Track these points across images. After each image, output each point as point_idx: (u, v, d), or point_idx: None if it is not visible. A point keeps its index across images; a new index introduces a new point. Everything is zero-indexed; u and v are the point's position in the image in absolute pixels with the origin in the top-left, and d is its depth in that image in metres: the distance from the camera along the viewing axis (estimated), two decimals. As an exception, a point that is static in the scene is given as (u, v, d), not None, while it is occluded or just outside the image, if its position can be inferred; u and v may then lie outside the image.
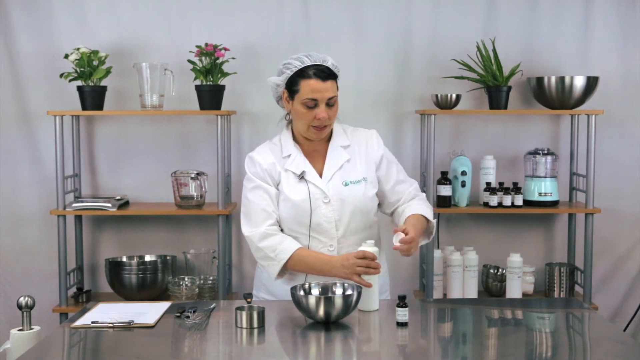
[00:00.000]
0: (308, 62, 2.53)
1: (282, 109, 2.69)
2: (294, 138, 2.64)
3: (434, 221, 2.63)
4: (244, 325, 2.21)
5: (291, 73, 2.53)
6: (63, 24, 3.67)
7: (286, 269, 2.54)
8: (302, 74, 2.51)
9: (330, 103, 2.52)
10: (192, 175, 3.54)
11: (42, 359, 2.05)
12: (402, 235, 2.38)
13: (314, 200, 2.55)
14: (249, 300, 2.23)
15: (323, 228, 2.56)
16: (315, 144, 2.63)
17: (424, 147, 3.62)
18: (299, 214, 2.56)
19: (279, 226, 2.60)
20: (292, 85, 2.54)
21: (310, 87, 2.50)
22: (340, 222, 2.57)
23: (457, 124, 3.75)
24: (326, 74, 2.51)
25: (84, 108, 3.51)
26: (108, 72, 3.51)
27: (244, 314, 2.20)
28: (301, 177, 2.57)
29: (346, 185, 2.58)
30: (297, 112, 2.54)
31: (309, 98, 2.50)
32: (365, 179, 2.61)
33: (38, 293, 3.53)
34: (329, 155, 2.62)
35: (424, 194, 2.74)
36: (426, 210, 2.62)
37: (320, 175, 2.59)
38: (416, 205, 2.63)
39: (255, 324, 2.20)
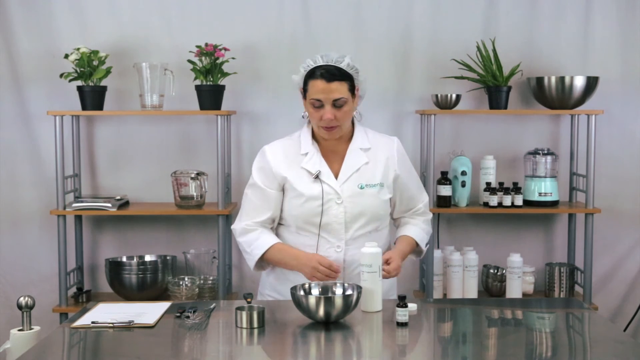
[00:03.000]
0: (320, 62, 2.54)
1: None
2: (314, 136, 2.64)
3: (425, 248, 2.76)
4: (244, 325, 2.21)
5: (304, 73, 2.56)
6: (63, 24, 3.67)
7: (266, 263, 2.63)
8: (311, 74, 2.53)
9: (338, 104, 2.50)
10: (192, 175, 3.54)
11: (42, 359, 2.05)
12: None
13: (326, 201, 2.56)
14: (249, 300, 2.23)
15: (333, 228, 2.57)
16: (334, 144, 2.62)
17: (424, 147, 3.62)
18: (310, 213, 2.57)
19: (271, 224, 2.64)
20: (304, 85, 2.56)
21: (316, 87, 2.50)
22: (350, 224, 2.57)
23: (457, 124, 3.75)
24: (334, 75, 2.50)
25: (84, 108, 3.52)
26: (108, 72, 3.51)
27: (244, 314, 2.20)
28: (316, 177, 2.58)
29: (362, 188, 2.59)
30: (308, 111, 2.57)
31: (315, 98, 2.51)
32: (382, 185, 2.61)
33: (38, 293, 3.54)
34: (347, 157, 2.61)
35: (429, 215, 2.79)
36: (421, 234, 2.71)
37: (336, 176, 2.60)
38: (414, 227, 2.71)
39: (255, 324, 2.20)
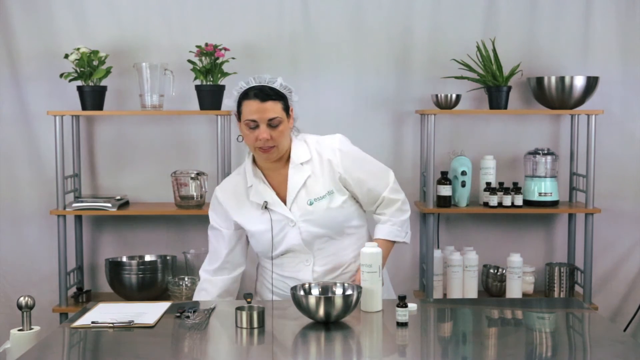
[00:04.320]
0: (252, 84, 2.51)
1: None
2: (257, 165, 2.62)
3: (406, 238, 2.64)
4: (244, 325, 2.21)
5: (237, 95, 2.53)
6: (63, 24, 3.67)
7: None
8: (245, 95, 2.50)
9: (273, 124, 2.47)
10: (192, 175, 3.54)
11: (42, 359, 2.05)
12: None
13: (280, 229, 2.54)
14: (249, 300, 2.23)
15: (295, 249, 2.56)
16: (276, 167, 2.58)
17: (424, 147, 3.62)
18: (265, 246, 2.58)
19: (231, 265, 2.69)
20: (238, 107, 2.53)
21: (250, 108, 2.47)
22: (310, 241, 2.56)
23: (457, 124, 3.75)
24: (267, 94, 2.48)
25: (84, 108, 3.52)
26: (108, 72, 3.52)
27: (244, 314, 2.20)
28: (264, 207, 2.56)
29: (311, 204, 2.55)
30: (243, 134, 2.53)
31: (249, 119, 2.47)
32: (330, 192, 2.55)
33: (38, 293, 3.53)
34: (290, 177, 2.56)
35: (397, 203, 2.63)
36: (393, 230, 2.60)
37: (285, 200, 2.56)
38: (383, 226, 2.61)
39: (255, 324, 2.21)
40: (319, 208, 2.54)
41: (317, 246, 2.57)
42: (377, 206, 2.64)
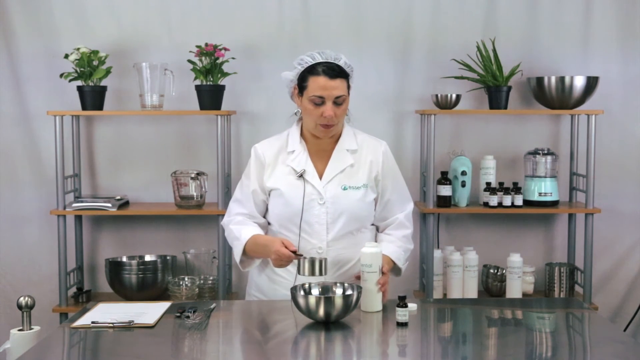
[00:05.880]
0: (319, 59, 2.53)
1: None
2: (302, 135, 2.64)
3: (404, 267, 2.67)
4: (306, 273, 2.26)
5: (302, 69, 2.54)
6: (63, 24, 3.67)
7: (248, 257, 2.60)
8: (312, 70, 2.52)
9: (338, 102, 2.50)
10: (192, 175, 3.54)
11: (42, 359, 2.05)
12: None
13: (308, 201, 2.56)
14: (300, 254, 2.34)
15: (314, 229, 2.57)
16: (322, 143, 2.62)
17: (424, 147, 3.62)
18: (291, 212, 2.57)
19: (257, 218, 2.65)
20: (302, 81, 2.54)
21: (318, 84, 2.49)
22: (332, 224, 2.57)
23: (457, 124, 3.75)
24: (336, 72, 2.50)
25: (84, 108, 3.52)
26: (108, 72, 3.52)
27: (307, 261, 2.26)
28: (300, 175, 2.58)
29: (345, 189, 2.58)
30: (305, 108, 2.54)
31: (316, 95, 2.49)
32: (365, 186, 2.60)
33: (38, 293, 3.53)
34: (333, 157, 2.61)
35: (409, 230, 2.70)
36: (397, 252, 2.62)
37: (321, 176, 2.59)
38: (390, 245, 2.63)
39: (317, 272, 2.24)
40: (351, 197, 2.57)
41: (334, 234, 2.57)
42: (387, 225, 2.68)
